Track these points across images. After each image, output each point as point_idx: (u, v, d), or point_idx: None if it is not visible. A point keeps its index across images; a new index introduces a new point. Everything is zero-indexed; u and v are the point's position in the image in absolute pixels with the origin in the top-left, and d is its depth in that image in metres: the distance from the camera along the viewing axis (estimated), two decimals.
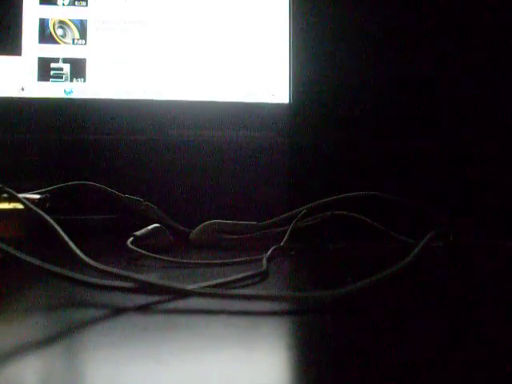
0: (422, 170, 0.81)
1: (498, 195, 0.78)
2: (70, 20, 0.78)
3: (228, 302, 0.34)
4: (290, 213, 0.65)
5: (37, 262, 0.34)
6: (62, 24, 0.78)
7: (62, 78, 0.78)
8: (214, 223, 0.63)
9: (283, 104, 0.80)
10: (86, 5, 0.79)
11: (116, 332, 0.29)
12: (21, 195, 0.49)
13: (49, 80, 0.78)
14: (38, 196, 0.55)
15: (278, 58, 0.80)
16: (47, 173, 0.73)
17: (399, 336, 0.29)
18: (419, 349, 0.27)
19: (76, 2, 0.78)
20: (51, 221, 0.42)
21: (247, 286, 0.40)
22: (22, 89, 0.77)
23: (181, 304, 0.34)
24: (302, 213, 0.64)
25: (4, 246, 0.35)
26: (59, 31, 0.78)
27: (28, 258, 0.34)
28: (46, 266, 0.34)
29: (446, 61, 0.83)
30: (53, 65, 0.78)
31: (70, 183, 0.64)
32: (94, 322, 0.31)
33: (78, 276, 0.34)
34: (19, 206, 0.49)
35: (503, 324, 0.32)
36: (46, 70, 0.78)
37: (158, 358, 0.25)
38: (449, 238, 0.61)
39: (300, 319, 0.32)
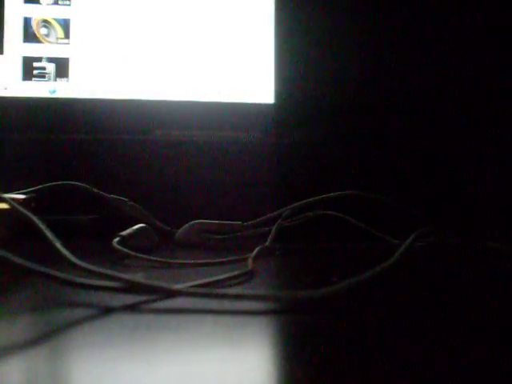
0: (407, 170, 0.81)
1: (482, 196, 0.79)
2: (54, 19, 0.78)
3: (215, 301, 0.35)
4: (274, 213, 0.65)
5: (23, 261, 0.34)
6: (46, 23, 0.78)
7: (45, 77, 0.77)
8: (200, 223, 0.63)
9: (268, 104, 0.81)
10: (69, 4, 0.78)
11: (104, 332, 0.29)
12: (6, 195, 0.49)
13: (32, 79, 0.77)
14: (23, 196, 0.54)
15: (263, 58, 0.81)
16: (32, 173, 0.73)
17: (384, 335, 0.30)
18: (404, 348, 0.27)
19: (59, 1, 0.78)
20: (37, 221, 0.42)
21: (233, 285, 0.40)
22: (5, 88, 0.77)
23: (168, 304, 0.35)
24: (287, 213, 0.65)
25: None
26: (43, 30, 0.77)
27: (14, 258, 0.34)
28: (33, 265, 0.34)
29: (435, 60, 0.84)
30: (36, 64, 0.77)
31: (55, 183, 0.63)
32: (81, 321, 0.31)
33: (64, 276, 0.34)
34: (5, 205, 0.48)
35: (489, 323, 0.33)
36: (29, 69, 0.77)
37: (146, 357, 0.25)
38: (432, 238, 0.61)
39: (285, 318, 0.33)
